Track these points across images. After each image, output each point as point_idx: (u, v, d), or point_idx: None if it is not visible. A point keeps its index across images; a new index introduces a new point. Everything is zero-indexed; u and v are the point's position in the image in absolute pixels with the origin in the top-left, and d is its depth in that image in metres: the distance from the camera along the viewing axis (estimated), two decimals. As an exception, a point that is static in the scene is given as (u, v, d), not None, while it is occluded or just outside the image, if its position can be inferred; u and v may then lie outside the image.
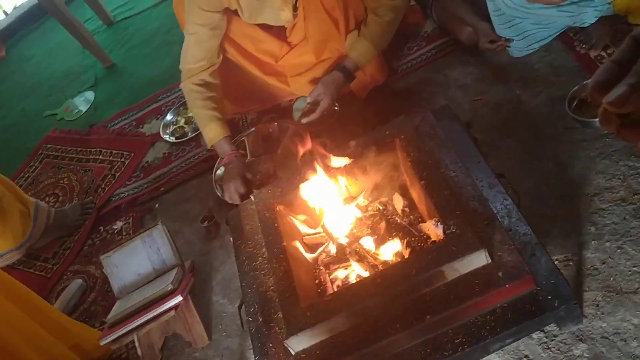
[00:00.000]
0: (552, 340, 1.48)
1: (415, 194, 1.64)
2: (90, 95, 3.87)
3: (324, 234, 1.67)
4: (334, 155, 1.67)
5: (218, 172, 2.46)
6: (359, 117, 2.40)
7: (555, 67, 2.16)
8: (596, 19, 2.02)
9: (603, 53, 2.08)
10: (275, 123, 2.55)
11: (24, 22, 5.37)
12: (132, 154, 3.04)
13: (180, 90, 3.31)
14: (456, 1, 2.34)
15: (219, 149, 2.32)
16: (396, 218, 1.65)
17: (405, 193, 1.70)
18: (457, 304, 1.31)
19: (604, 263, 1.56)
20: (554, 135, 1.94)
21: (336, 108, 2.41)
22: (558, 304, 1.30)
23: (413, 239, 1.55)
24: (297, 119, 2.26)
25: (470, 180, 1.53)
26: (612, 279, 1.52)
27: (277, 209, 1.67)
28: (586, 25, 2.07)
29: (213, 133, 2.29)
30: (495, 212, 1.46)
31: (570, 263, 1.60)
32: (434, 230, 1.42)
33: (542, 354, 1.47)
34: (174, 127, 3.04)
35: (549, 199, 1.78)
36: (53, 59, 4.68)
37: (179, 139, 2.95)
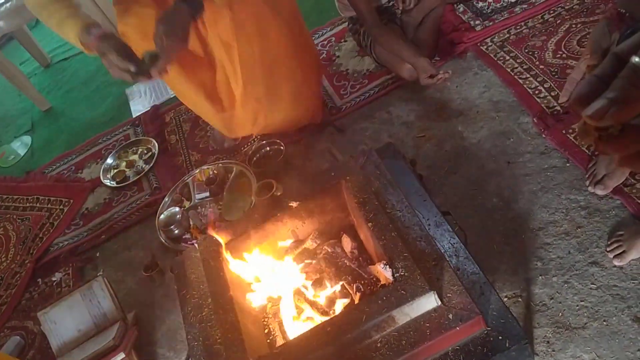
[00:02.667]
0: (506, 379, 1.46)
1: (363, 235, 1.62)
2: (27, 140, 3.73)
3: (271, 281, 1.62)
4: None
5: (162, 217, 2.39)
6: (304, 156, 2.38)
7: (495, 103, 2.20)
8: None
9: (541, 87, 2.14)
10: (220, 164, 2.51)
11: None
12: (71, 201, 2.92)
13: (120, 132, 3.25)
14: (393, 39, 2.36)
15: (88, 35, 1.82)
16: (345, 261, 1.62)
17: (353, 234, 1.68)
18: (409, 349, 1.28)
19: (552, 298, 1.56)
20: (496, 170, 1.97)
21: (282, 148, 2.39)
22: (509, 344, 1.29)
23: (363, 282, 1.52)
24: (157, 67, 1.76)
25: (416, 219, 1.52)
26: (560, 314, 1.52)
27: (223, 256, 1.61)
28: None
29: (75, 26, 1.84)
30: (442, 251, 1.45)
31: (519, 299, 1.60)
32: (382, 273, 1.39)
33: (497, 395, 1.45)
34: (115, 171, 2.95)
35: (495, 235, 1.79)
36: (-13, 103, 4.52)
37: (120, 184, 2.85)
